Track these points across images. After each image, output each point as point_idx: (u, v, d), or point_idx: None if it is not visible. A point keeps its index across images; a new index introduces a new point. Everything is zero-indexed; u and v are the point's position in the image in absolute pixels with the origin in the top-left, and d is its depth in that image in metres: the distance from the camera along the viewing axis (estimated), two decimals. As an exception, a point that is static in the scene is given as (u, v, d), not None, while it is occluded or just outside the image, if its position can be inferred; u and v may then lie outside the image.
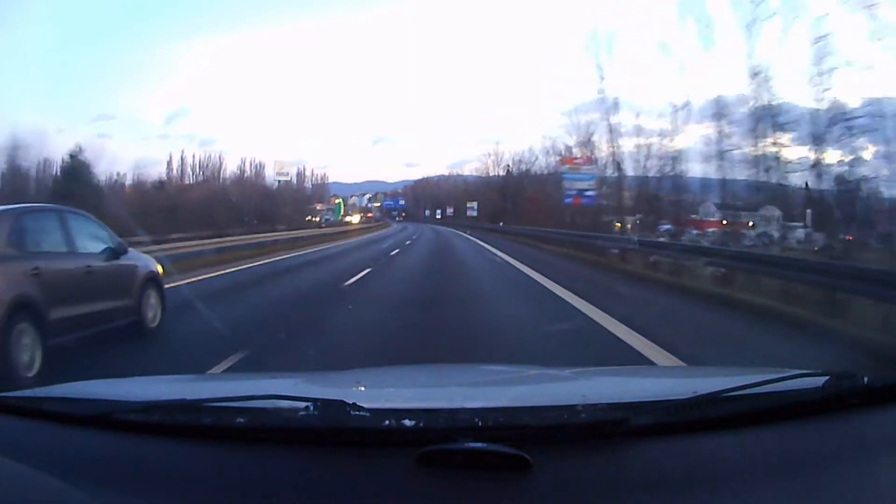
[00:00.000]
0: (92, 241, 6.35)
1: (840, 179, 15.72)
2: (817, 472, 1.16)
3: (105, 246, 6.47)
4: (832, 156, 15.17)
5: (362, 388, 1.80)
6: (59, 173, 36.94)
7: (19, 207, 5.82)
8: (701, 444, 1.24)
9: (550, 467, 1.10)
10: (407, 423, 1.18)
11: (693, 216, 26.64)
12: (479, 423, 1.19)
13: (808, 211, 20.36)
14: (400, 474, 1.10)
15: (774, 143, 16.76)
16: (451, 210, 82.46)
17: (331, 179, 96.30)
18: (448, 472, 1.10)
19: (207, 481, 1.15)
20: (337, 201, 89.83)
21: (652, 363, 5.17)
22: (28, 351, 4.86)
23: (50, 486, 1.09)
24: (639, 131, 25.75)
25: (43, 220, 5.94)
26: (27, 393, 1.55)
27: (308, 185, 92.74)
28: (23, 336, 4.81)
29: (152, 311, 7.03)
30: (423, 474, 1.10)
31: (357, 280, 12.80)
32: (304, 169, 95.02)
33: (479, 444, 1.11)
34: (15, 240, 5.20)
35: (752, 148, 17.36)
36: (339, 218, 78.78)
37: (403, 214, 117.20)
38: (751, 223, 23.30)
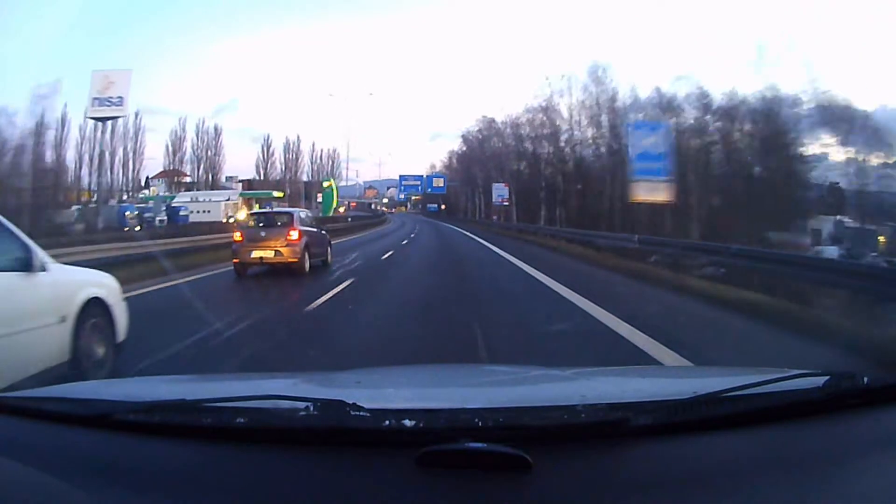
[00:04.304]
0: (314, 221, 15.63)
1: None
2: (817, 472, 1.16)
3: (317, 223, 16.40)
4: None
5: (362, 389, 1.80)
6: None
7: (297, 209, 15.88)
8: (701, 444, 1.24)
9: (550, 467, 1.10)
10: (407, 423, 1.18)
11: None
12: (480, 424, 1.19)
13: None
14: (400, 474, 1.10)
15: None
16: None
17: (390, 175, 64.70)
18: (448, 472, 1.10)
19: (207, 481, 1.15)
20: (328, 185, 60.61)
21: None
22: (307, 262, 13.11)
23: (50, 486, 1.09)
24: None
25: (301, 213, 14.75)
26: (27, 393, 1.55)
27: (306, 163, 69.33)
28: (306, 255, 13.07)
29: (330, 257, 15.37)
30: (423, 474, 1.10)
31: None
32: (298, 141, 67.62)
33: (479, 445, 1.11)
34: (299, 220, 13.46)
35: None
36: (329, 213, 56.21)
37: (444, 206, 72.28)
38: None
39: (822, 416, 1.34)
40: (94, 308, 4.52)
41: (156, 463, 1.20)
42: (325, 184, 62.17)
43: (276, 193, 60.51)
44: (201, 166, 61.06)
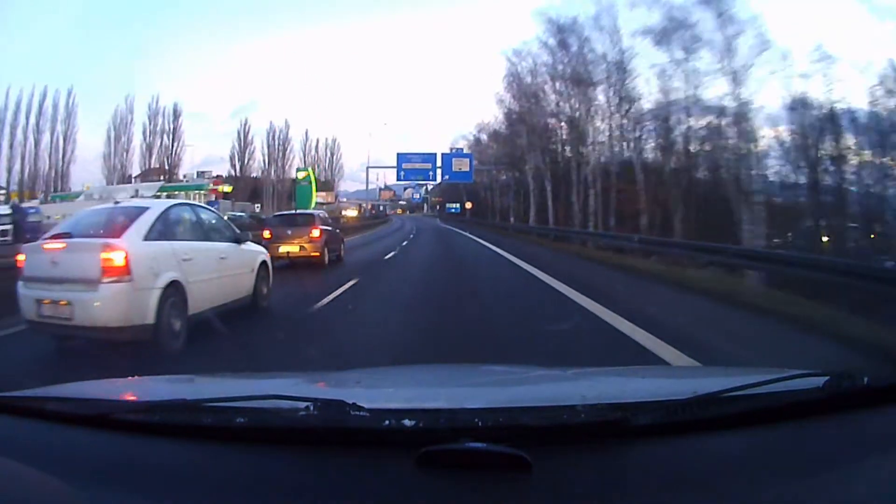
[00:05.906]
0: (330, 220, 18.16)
1: None
2: (817, 472, 1.16)
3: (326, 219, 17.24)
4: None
5: (362, 388, 1.80)
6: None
7: (320, 212, 18.90)
8: (701, 444, 1.24)
9: (550, 467, 1.10)
10: (407, 423, 1.18)
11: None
12: (479, 424, 1.19)
13: None
14: (400, 474, 1.10)
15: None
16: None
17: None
18: (448, 472, 1.10)
19: (207, 481, 1.15)
20: (305, 176, 49.33)
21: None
22: (327, 256, 15.03)
23: (50, 486, 1.09)
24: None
25: (321, 215, 16.66)
26: (27, 393, 1.55)
27: (297, 155, 56.71)
28: (325, 250, 14.81)
29: (343, 252, 16.60)
30: (422, 474, 1.10)
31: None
32: (286, 128, 55.35)
33: (478, 445, 1.11)
34: (320, 220, 15.49)
35: None
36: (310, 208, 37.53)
37: (469, 205, 53.86)
38: None
39: (822, 416, 1.34)
40: (263, 266, 8.22)
41: (156, 463, 1.20)
42: (301, 174, 50.51)
43: (216, 187, 47.01)
44: (153, 156, 46.32)
